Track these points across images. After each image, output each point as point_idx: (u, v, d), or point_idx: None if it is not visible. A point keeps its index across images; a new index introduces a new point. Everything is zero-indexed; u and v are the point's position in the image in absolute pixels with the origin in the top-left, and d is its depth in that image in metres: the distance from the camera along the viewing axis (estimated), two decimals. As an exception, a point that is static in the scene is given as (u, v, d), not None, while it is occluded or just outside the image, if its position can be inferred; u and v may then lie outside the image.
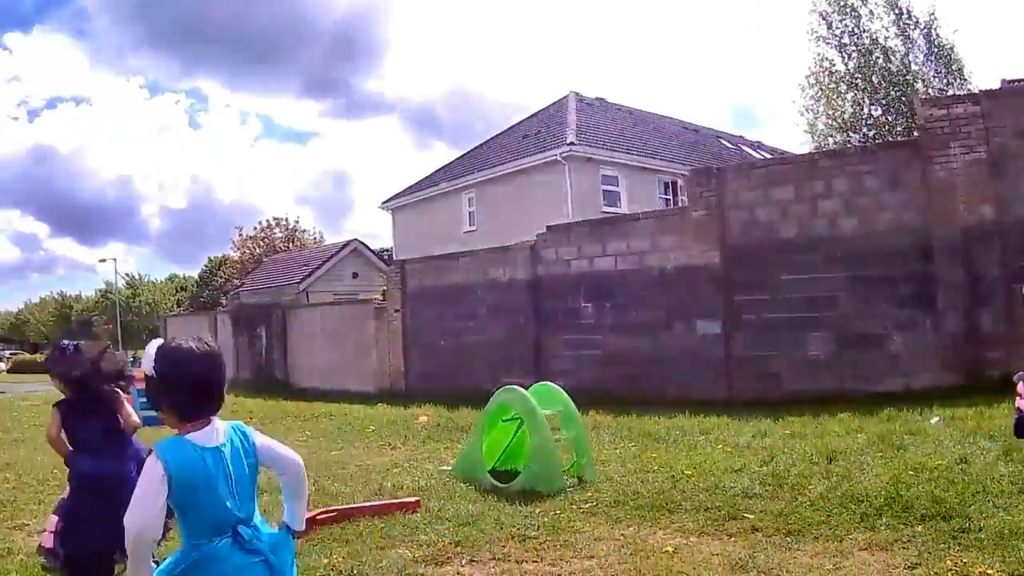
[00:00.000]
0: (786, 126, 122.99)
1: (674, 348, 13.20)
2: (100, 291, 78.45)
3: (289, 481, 2.65)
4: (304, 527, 2.71)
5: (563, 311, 14.87)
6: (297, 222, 50.01)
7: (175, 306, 67.00)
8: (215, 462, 2.36)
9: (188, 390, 2.43)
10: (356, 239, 28.83)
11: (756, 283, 12.44)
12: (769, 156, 29.30)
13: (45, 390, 31.17)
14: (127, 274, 68.57)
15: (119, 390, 4.43)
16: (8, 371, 71.03)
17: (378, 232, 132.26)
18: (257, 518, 2.50)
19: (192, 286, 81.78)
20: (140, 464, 2.74)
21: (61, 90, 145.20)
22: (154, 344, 2.56)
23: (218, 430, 2.46)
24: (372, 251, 29.05)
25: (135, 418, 4.40)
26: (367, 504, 6.37)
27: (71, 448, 4.35)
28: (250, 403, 16.62)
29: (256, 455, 2.53)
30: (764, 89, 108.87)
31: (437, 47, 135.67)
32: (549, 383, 7.88)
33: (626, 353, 13.79)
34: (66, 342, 4.75)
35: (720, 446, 8.34)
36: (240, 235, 49.37)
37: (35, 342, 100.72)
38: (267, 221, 50.20)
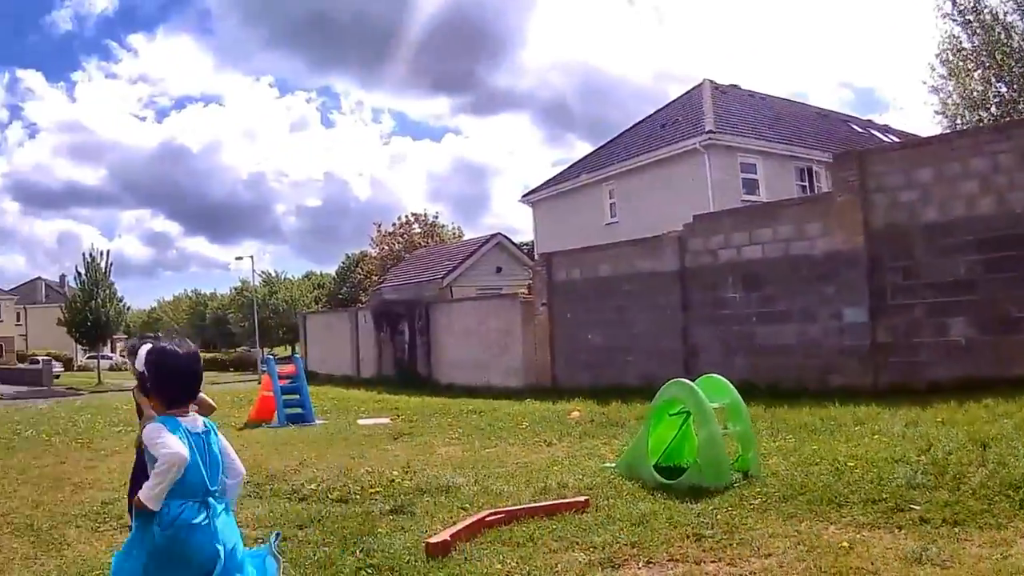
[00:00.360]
0: (909, 108, 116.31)
1: (820, 336, 12.89)
2: (235, 289, 79.86)
3: (231, 485, 3.19)
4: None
5: (711, 301, 14.48)
6: (436, 217, 50.53)
7: (312, 303, 67.54)
8: (198, 444, 2.98)
9: (175, 382, 3.09)
10: (500, 233, 28.77)
11: (899, 267, 12.06)
12: (897, 139, 27.61)
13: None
14: (263, 271, 69.47)
15: None
16: None
17: (514, 227, 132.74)
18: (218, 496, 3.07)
19: (329, 283, 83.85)
20: None
21: (189, 90, 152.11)
22: (144, 347, 3.26)
23: (197, 419, 3.09)
24: (515, 245, 28.91)
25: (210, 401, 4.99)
26: (535, 505, 6.09)
27: None
28: (395, 400, 16.64)
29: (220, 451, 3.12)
30: (882, 72, 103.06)
31: (567, 40, 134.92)
32: (716, 375, 7.51)
33: (774, 342, 13.45)
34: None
35: (876, 436, 8.15)
36: (379, 230, 50.26)
37: None
38: (405, 217, 51.02)
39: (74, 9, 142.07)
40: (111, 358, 73.64)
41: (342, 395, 17.40)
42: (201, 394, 4.56)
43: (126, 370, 69.51)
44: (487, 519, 5.61)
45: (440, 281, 25.33)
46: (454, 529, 5.27)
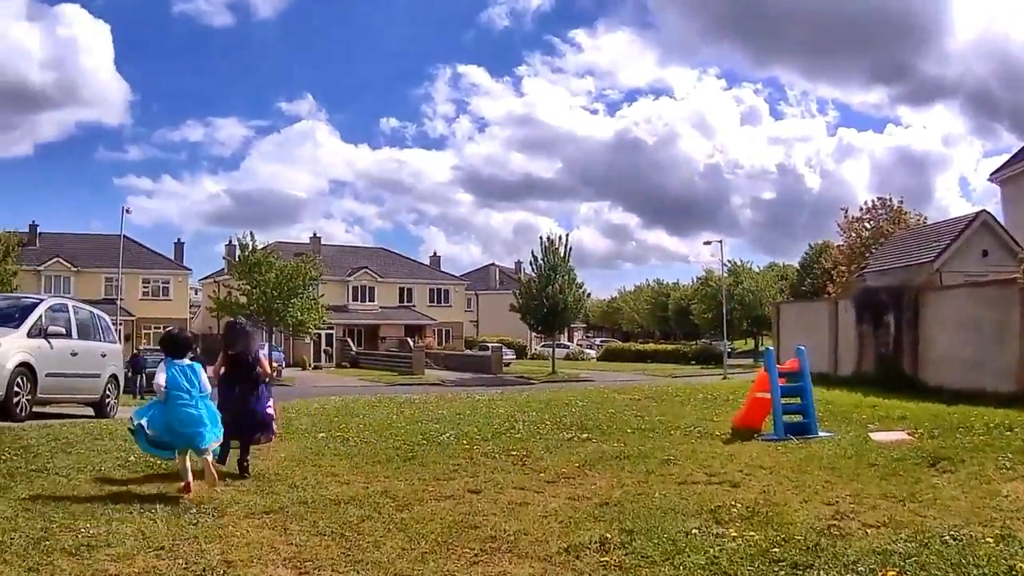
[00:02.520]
0: None
1: None
2: (699, 279, 79.32)
3: (207, 391, 7.02)
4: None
5: None
6: (901, 202, 46.26)
7: (777, 295, 65.26)
8: (183, 370, 6.83)
9: (174, 346, 7.02)
10: (985, 210, 25.47)
11: None
12: None
13: (645, 380, 31.15)
14: (729, 260, 67.33)
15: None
16: (598, 358, 74.32)
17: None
18: (197, 394, 6.81)
19: (792, 275, 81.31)
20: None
21: (636, 83, 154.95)
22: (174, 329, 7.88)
23: (186, 361, 6.93)
24: (1000, 225, 25.33)
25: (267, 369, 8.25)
26: None
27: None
28: (888, 404, 13.89)
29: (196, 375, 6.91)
30: None
31: (990, 24, 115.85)
32: None
33: None
34: (239, 321, 9.46)
35: None
36: (846, 216, 47.46)
37: (626, 330, 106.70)
38: (871, 201, 47.56)
39: (509, 7, 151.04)
40: (568, 347, 75.95)
41: (825, 396, 14.54)
42: (264, 365, 8.11)
43: (583, 359, 71.45)
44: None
45: (930, 265, 22.89)
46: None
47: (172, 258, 64.06)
